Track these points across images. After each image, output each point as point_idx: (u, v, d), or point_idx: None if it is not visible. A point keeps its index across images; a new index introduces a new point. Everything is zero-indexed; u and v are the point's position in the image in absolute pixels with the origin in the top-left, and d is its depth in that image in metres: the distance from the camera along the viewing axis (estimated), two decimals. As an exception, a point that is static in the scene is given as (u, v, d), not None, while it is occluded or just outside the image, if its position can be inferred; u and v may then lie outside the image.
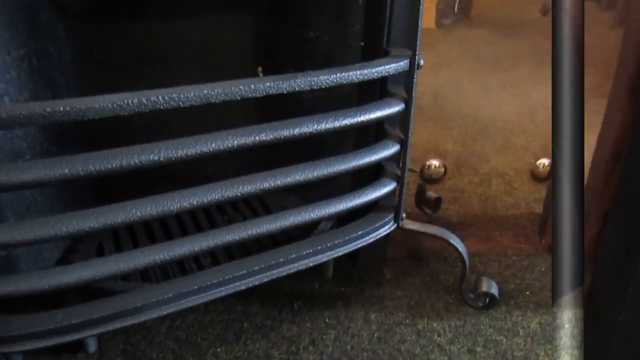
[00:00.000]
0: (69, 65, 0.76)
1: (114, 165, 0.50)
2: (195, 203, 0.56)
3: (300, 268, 0.68)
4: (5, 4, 0.63)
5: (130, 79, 0.81)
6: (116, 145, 0.53)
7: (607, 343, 0.77)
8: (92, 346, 0.70)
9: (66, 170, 0.48)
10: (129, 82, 0.81)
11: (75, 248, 0.77)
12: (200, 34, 0.83)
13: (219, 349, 0.72)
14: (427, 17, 0.80)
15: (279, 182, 0.60)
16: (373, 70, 0.61)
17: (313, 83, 0.57)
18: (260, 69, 0.87)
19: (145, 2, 0.79)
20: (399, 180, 0.73)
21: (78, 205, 0.79)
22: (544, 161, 0.90)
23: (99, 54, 0.79)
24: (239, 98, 0.53)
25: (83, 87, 0.78)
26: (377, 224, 0.74)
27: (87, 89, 0.79)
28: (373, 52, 0.72)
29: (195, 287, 0.61)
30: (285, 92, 0.55)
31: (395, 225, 0.76)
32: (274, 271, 0.66)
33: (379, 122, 0.72)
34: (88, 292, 0.63)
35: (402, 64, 0.64)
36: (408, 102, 0.68)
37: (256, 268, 0.64)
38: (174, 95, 0.50)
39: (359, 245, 0.72)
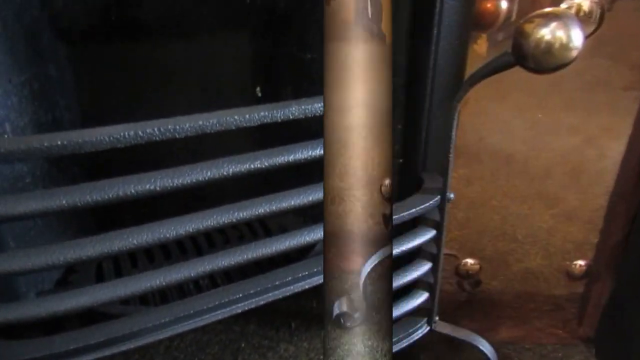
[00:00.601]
0: (70, 88, 0.77)
1: (110, 195, 0.50)
2: (191, 230, 0.56)
3: (297, 290, 0.68)
4: (6, 31, 0.64)
5: (131, 100, 0.82)
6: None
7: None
8: (90, 367, 0.71)
9: (64, 202, 0.48)
10: (130, 103, 0.82)
11: (75, 268, 0.78)
12: (200, 55, 0.84)
13: (216, 370, 0.73)
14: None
15: (274, 208, 0.61)
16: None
17: (307, 112, 0.57)
18: (258, 89, 0.88)
19: (145, 25, 0.80)
20: (432, 290, 0.75)
21: (78, 226, 0.80)
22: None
23: (100, 76, 0.80)
24: (234, 128, 0.54)
25: (84, 109, 0.80)
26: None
27: (88, 111, 0.81)
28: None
29: (192, 312, 0.62)
30: (279, 120, 0.56)
31: (428, 328, 0.78)
32: (270, 294, 0.66)
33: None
34: (86, 315, 0.64)
35: (433, 202, 0.68)
36: (439, 229, 0.71)
37: (252, 291, 0.65)
38: (169, 127, 0.51)
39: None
